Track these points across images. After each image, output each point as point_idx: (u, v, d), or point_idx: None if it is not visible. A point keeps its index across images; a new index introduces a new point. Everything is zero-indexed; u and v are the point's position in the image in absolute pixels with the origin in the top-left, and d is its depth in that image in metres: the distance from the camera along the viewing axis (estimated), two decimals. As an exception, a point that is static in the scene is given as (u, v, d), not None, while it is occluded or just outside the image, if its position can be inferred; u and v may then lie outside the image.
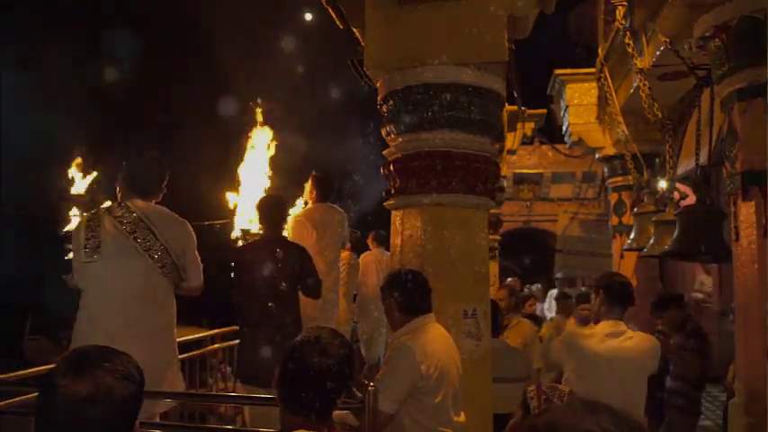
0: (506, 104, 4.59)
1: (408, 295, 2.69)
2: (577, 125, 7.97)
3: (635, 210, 6.42)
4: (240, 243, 4.59)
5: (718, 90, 3.88)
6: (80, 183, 3.99)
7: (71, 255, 3.18)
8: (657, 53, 5.15)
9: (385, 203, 3.21)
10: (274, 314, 3.68)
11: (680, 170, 6.14)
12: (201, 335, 4.98)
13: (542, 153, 14.99)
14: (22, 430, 2.83)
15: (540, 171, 15.35)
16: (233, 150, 5.07)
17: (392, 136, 3.09)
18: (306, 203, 5.09)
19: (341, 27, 3.59)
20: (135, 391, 1.26)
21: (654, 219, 5.43)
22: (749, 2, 3.48)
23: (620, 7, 5.47)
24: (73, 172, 4.15)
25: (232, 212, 4.96)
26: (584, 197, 15.19)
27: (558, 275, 12.53)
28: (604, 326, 3.14)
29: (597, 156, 8.35)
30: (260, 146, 5.10)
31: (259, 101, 5.02)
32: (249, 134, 5.10)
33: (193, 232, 3.17)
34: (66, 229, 3.53)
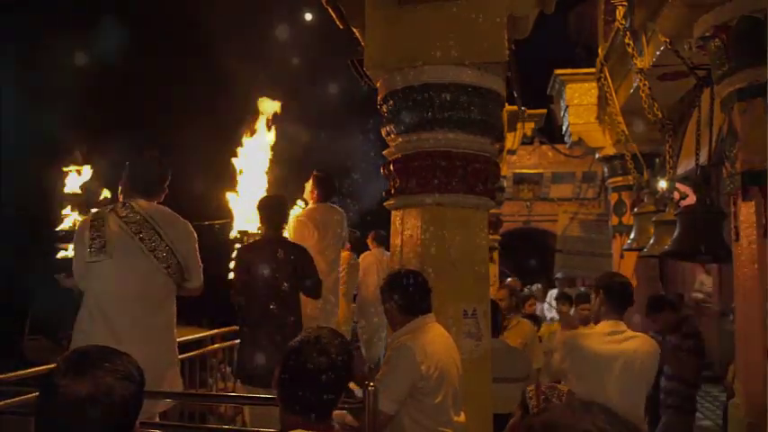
0: (506, 104, 4.59)
1: (408, 295, 2.69)
2: (577, 125, 7.97)
3: (635, 210, 6.42)
4: (237, 244, 4.58)
5: (718, 90, 3.88)
6: (75, 181, 3.97)
7: (62, 253, 3.18)
8: (657, 53, 5.15)
9: (385, 203, 3.21)
10: (276, 314, 3.68)
11: (680, 170, 6.14)
12: (201, 335, 4.98)
13: (542, 153, 14.99)
14: (22, 430, 2.83)
15: (540, 171, 15.35)
16: (232, 150, 5.06)
17: (392, 136, 3.09)
18: (306, 203, 5.09)
19: (341, 27, 3.59)
20: (135, 392, 1.26)
21: (654, 219, 5.43)
22: (749, 2, 3.48)
23: (620, 7, 5.47)
24: (70, 172, 4.14)
25: (231, 213, 4.96)
26: (584, 197, 15.20)
27: (558, 275, 12.53)
28: (604, 326, 3.14)
29: (597, 156, 8.35)
30: (261, 145, 5.10)
31: (265, 99, 5.00)
32: (249, 134, 5.09)
33: (195, 232, 3.17)
34: (59, 228, 3.52)
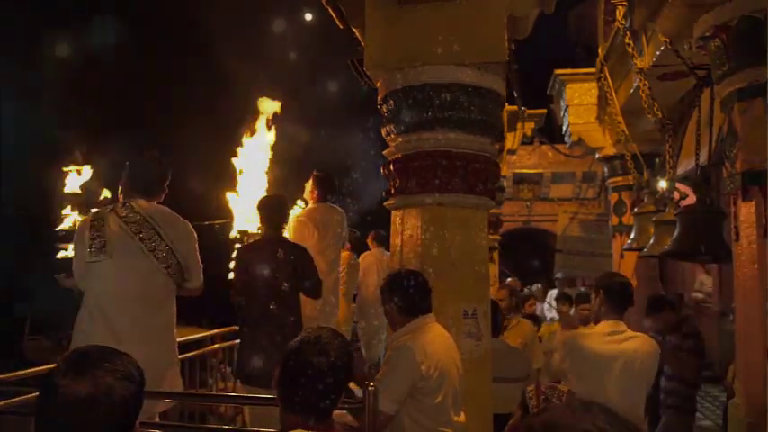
0: (506, 104, 4.59)
1: (408, 295, 2.68)
2: (577, 125, 7.97)
3: (635, 210, 6.42)
4: (237, 244, 4.58)
5: (718, 90, 3.88)
6: (75, 181, 3.97)
7: (62, 253, 3.18)
8: (657, 53, 5.15)
9: (385, 203, 3.21)
10: (276, 314, 3.68)
11: (680, 170, 6.14)
12: (201, 335, 4.98)
13: (542, 153, 15.00)
14: (22, 430, 2.83)
15: (540, 171, 15.36)
16: (232, 150, 5.05)
17: (392, 136, 3.09)
18: (306, 203, 5.09)
19: (341, 27, 3.59)
20: (135, 392, 1.26)
21: (654, 219, 5.43)
22: (749, 2, 3.48)
23: (620, 7, 5.47)
24: (69, 172, 4.13)
25: (231, 213, 4.95)
26: (584, 197, 15.20)
27: (558, 275, 12.53)
28: (604, 326, 3.14)
29: (597, 156, 8.35)
30: (260, 145, 5.09)
31: (265, 99, 4.99)
32: (248, 134, 5.08)
33: (195, 232, 3.18)
34: (59, 228, 3.51)
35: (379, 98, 3.17)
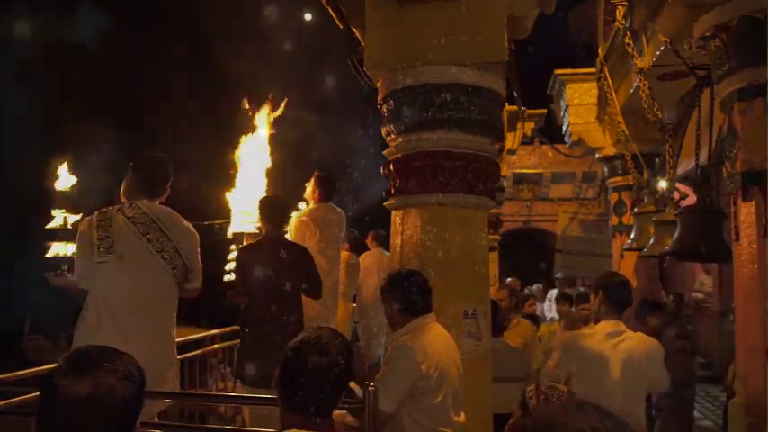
0: (506, 104, 4.59)
1: (408, 295, 2.68)
2: (577, 125, 7.97)
3: (635, 210, 6.42)
4: (233, 245, 4.56)
5: (718, 90, 3.88)
6: (66, 180, 3.93)
7: (52, 251, 3.17)
8: (657, 53, 5.15)
9: (385, 203, 3.21)
10: (278, 314, 3.68)
11: (680, 170, 6.14)
12: (201, 335, 4.99)
13: (542, 153, 15.00)
14: (22, 430, 2.83)
15: (540, 171, 15.37)
16: (230, 149, 5.04)
17: (392, 136, 3.09)
18: (306, 203, 5.09)
19: (341, 27, 3.59)
20: (136, 392, 1.26)
21: (654, 219, 5.43)
22: (749, 2, 3.48)
23: (620, 7, 5.47)
24: (61, 170, 4.09)
25: (230, 213, 4.93)
26: (584, 197, 15.21)
27: (558, 275, 12.53)
28: (605, 326, 3.14)
29: (597, 156, 8.35)
30: (259, 145, 5.08)
31: (270, 97, 4.97)
32: (247, 133, 5.06)
33: (197, 233, 3.18)
34: (49, 226, 3.49)
35: (379, 98, 3.17)
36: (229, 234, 4.80)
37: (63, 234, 3.26)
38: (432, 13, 2.95)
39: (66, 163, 4.09)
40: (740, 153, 3.57)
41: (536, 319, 6.57)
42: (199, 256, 3.15)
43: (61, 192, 3.57)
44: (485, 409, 2.99)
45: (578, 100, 7.94)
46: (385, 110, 3.10)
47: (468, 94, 2.94)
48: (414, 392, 2.56)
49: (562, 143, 10.88)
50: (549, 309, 10.05)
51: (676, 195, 5.23)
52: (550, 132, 12.46)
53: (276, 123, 4.98)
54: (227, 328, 5.09)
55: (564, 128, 8.52)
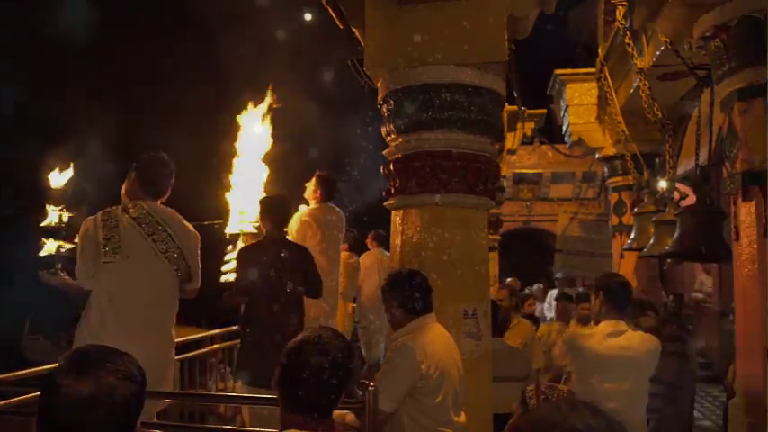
0: (506, 104, 4.59)
1: (409, 295, 2.68)
2: (577, 125, 7.98)
3: (635, 210, 6.43)
4: (230, 246, 4.52)
5: (718, 90, 3.88)
6: (59, 177, 3.91)
7: (46, 249, 3.16)
8: (657, 53, 5.16)
9: (385, 203, 3.21)
10: (279, 314, 3.67)
11: (680, 170, 6.14)
12: (201, 335, 4.98)
13: (542, 153, 15.01)
14: (22, 430, 2.83)
15: (540, 171, 15.37)
16: (229, 150, 5.00)
17: (392, 136, 3.09)
18: (306, 203, 5.08)
19: (341, 27, 3.59)
20: (137, 392, 1.26)
21: (654, 219, 5.43)
22: (749, 2, 3.48)
23: (620, 7, 5.48)
24: (57, 168, 4.05)
25: (228, 213, 4.89)
26: (584, 197, 15.22)
27: (558, 275, 12.54)
28: (605, 326, 3.15)
29: (597, 156, 8.35)
30: (258, 144, 5.04)
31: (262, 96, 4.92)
32: (245, 132, 5.01)
33: (198, 234, 3.19)
34: (44, 224, 3.46)
35: (379, 98, 3.17)
36: (226, 234, 4.77)
37: (58, 232, 3.23)
38: (432, 13, 2.95)
39: (61, 160, 4.06)
40: (740, 153, 3.58)
41: (535, 320, 6.57)
42: (199, 257, 3.16)
43: (56, 189, 3.55)
44: (485, 409, 2.99)
45: (578, 100, 7.95)
46: (385, 110, 3.10)
47: (468, 94, 2.94)
48: (414, 392, 2.56)
49: (562, 143, 10.89)
50: (548, 309, 10.05)
51: (676, 195, 5.23)
52: (550, 132, 12.47)
53: (274, 120, 4.93)
54: (227, 329, 5.08)
55: (564, 128, 8.52)
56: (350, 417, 2.55)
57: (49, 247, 3.19)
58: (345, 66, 4.48)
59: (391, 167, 3.09)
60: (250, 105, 4.68)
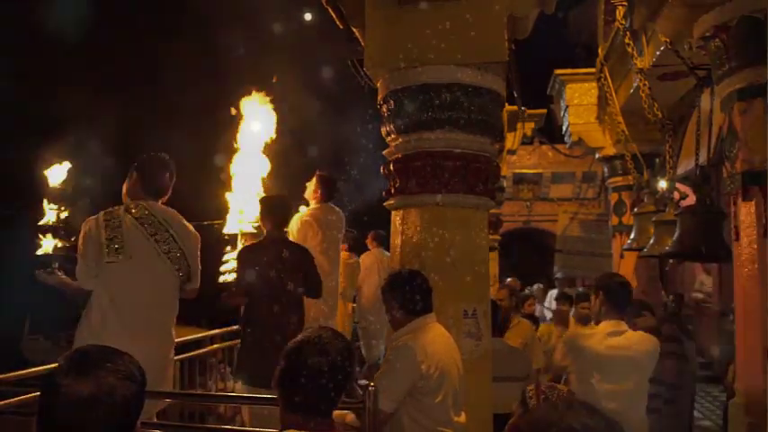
0: (506, 104, 4.59)
1: (409, 295, 2.69)
2: (577, 125, 7.98)
3: (635, 210, 6.42)
4: (228, 246, 4.51)
5: (718, 90, 3.88)
6: (57, 175, 3.90)
7: (43, 248, 3.15)
8: (657, 53, 5.15)
9: (385, 203, 3.21)
10: (280, 314, 3.68)
11: (680, 170, 6.14)
12: (201, 335, 4.98)
13: (542, 153, 15.02)
14: (22, 430, 2.83)
15: (540, 171, 15.38)
16: (227, 149, 4.98)
17: (392, 136, 3.09)
18: (306, 203, 5.07)
19: (341, 27, 3.59)
20: (137, 392, 1.26)
21: (654, 219, 5.43)
22: (749, 2, 3.48)
23: (620, 7, 5.47)
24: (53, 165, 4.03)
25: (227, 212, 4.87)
26: (584, 197, 15.22)
27: (558, 275, 12.54)
28: (606, 326, 3.15)
29: (597, 156, 8.35)
30: (257, 144, 5.03)
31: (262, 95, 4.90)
32: (244, 131, 4.99)
33: (198, 235, 3.19)
34: (42, 223, 3.45)
35: (379, 98, 3.17)
36: (228, 231, 4.75)
37: (56, 230, 3.22)
38: (432, 13, 2.95)
39: (60, 158, 4.04)
40: (740, 153, 3.57)
41: (535, 320, 6.57)
42: (199, 257, 3.16)
43: (54, 187, 3.54)
44: (485, 409, 2.99)
45: (578, 100, 7.95)
46: (385, 110, 3.10)
47: (468, 94, 2.94)
48: (414, 392, 2.56)
49: (562, 143, 10.89)
50: (548, 309, 10.05)
51: (676, 195, 5.22)
52: (550, 132, 12.47)
53: (276, 110, 4.90)
54: (227, 329, 5.08)
55: (564, 128, 8.52)
56: (350, 417, 2.56)
57: (46, 246, 3.19)
58: (345, 65, 4.48)
59: (391, 167, 3.09)
60: (253, 93, 4.64)
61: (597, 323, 3.27)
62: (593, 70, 7.64)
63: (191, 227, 3.16)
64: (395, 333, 2.74)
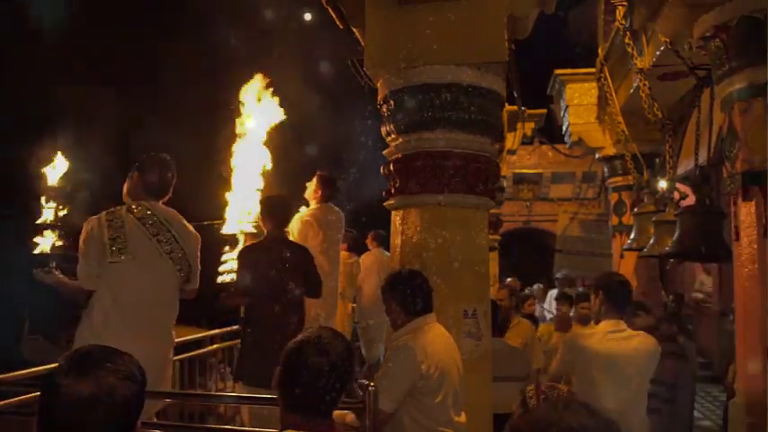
0: (506, 104, 4.58)
1: (409, 295, 2.68)
2: (577, 125, 7.98)
3: (635, 210, 6.42)
4: (227, 246, 4.50)
5: (718, 90, 3.89)
6: (53, 173, 3.89)
7: (40, 247, 3.15)
8: (657, 53, 5.16)
9: (385, 203, 3.21)
10: (281, 315, 3.68)
11: (680, 170, 6.14)
12: (201, 335, 4.98)
13: (542, 153, 15.02)
14: (22, 430, 2.83)
15: (540, 171, 15.38)
16: (226, 149, 4.97)
17: (392, 136, 3.09)
18: (306, 203, 5.07)
19: (341, 27, 3.59)
20: (137, 392, 1.26)
21: (654, 219, 5.43)
22: (749, 2, 3.48)
23: (620, 7, 5.48)
24: (51, 164, 4.02)
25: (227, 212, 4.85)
26: (584, 197, 15.22)
27: (558, 275, 12.53)
28: (606, 325, 3.14)
29: (597, 156, 8.35)
30: (257, 143, 5.01)
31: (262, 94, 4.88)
32: (243, 130, 4.97)
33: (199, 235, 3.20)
34: (40, 221, 3.45)
35: (379, 98, 3.17)
36: (228, 231, 4.74)
37: (54, 229, 3.21)
38: (432, 13, 2.95)
39: (57, 155, 4.02)
40: (740, 153, 3.58)
41: (535, 320, 6.57)
42: (199, 258, 3.16)
43: (52, 186, 3.54)
44: (485, 409, 2.99)
45: (578, 100, 7.95)
46: (385, 110, 3.10)
47: (468, 94, 2.94)
48: (414, 392, 2.56)
49: (562, 143, 10.88)
50: (549, 309, 10.05)
51: (676, 195, 5.23)
52: (550, 132, 12.46)
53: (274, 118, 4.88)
54: (227, 328, 5.08)
55: (564, 128, 8.52)
56: (350, 417, 2.55)
57: (43, 244, 3.19)
58: (346, 65, 4.48)
59: (391, 167, 3.09)
60: (255, 79, 4.60)
61: (597, 323, 3.27)
62: (593, 70, 7.64)
63: (191, 227, 3.16)
64: (395, 333, 2.74)
